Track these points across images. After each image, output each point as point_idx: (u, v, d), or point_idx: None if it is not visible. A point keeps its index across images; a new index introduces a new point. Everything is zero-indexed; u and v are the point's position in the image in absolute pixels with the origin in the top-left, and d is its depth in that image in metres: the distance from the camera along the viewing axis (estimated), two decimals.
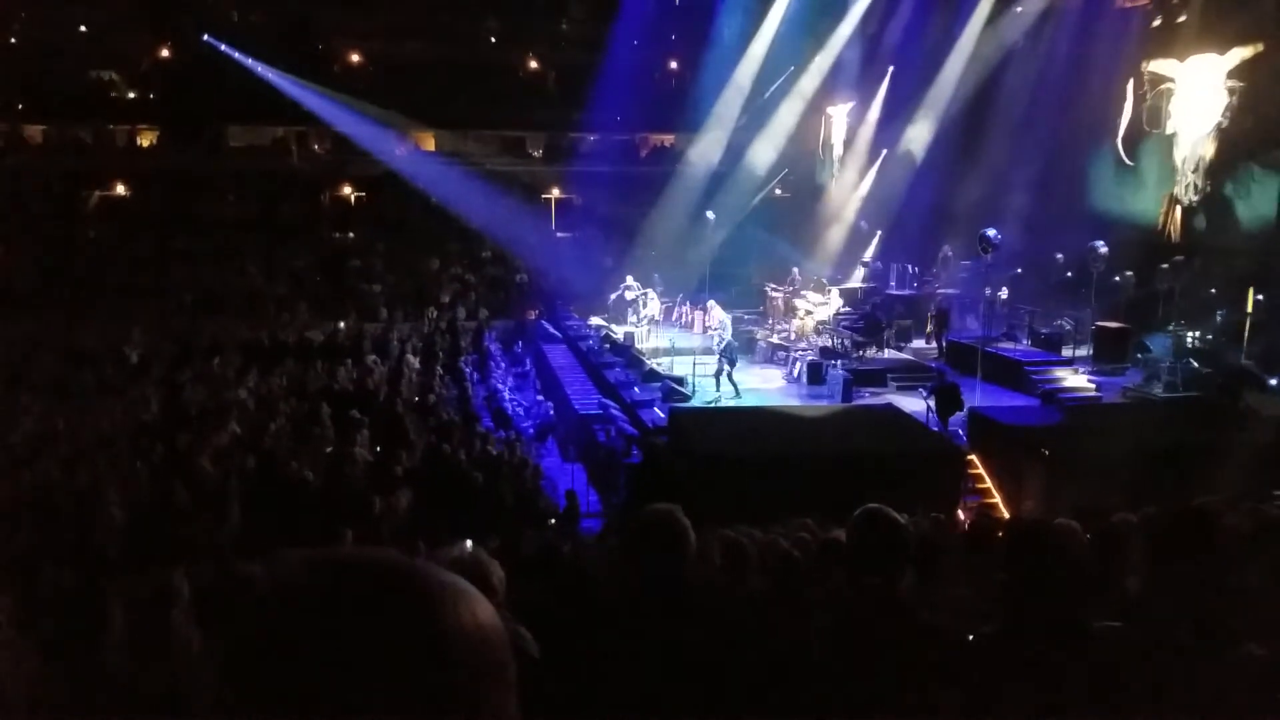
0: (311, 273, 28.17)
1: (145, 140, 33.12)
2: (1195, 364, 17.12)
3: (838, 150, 30.52)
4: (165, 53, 32.51)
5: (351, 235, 31.41)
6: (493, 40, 33.57)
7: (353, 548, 0.95)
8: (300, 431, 13.84)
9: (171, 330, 22.29)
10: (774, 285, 24.15)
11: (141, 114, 32.74)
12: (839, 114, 30.34)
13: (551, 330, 25.08)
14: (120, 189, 31.48)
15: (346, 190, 32.78)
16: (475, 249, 30.58)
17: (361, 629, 0.76)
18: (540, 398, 19.30)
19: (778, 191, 33.50)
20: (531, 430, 17.15)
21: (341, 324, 23.86)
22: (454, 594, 0.81)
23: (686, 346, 20.68)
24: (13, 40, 31.10)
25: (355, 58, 33.33)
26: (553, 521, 11.86)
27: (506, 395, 19.05)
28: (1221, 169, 18.74)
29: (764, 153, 33.29)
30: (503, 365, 22.36)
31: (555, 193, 33.48)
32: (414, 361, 21.21)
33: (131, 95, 32.87)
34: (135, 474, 11.35)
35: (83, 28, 31.55)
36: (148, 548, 8.11)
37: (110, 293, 24.60)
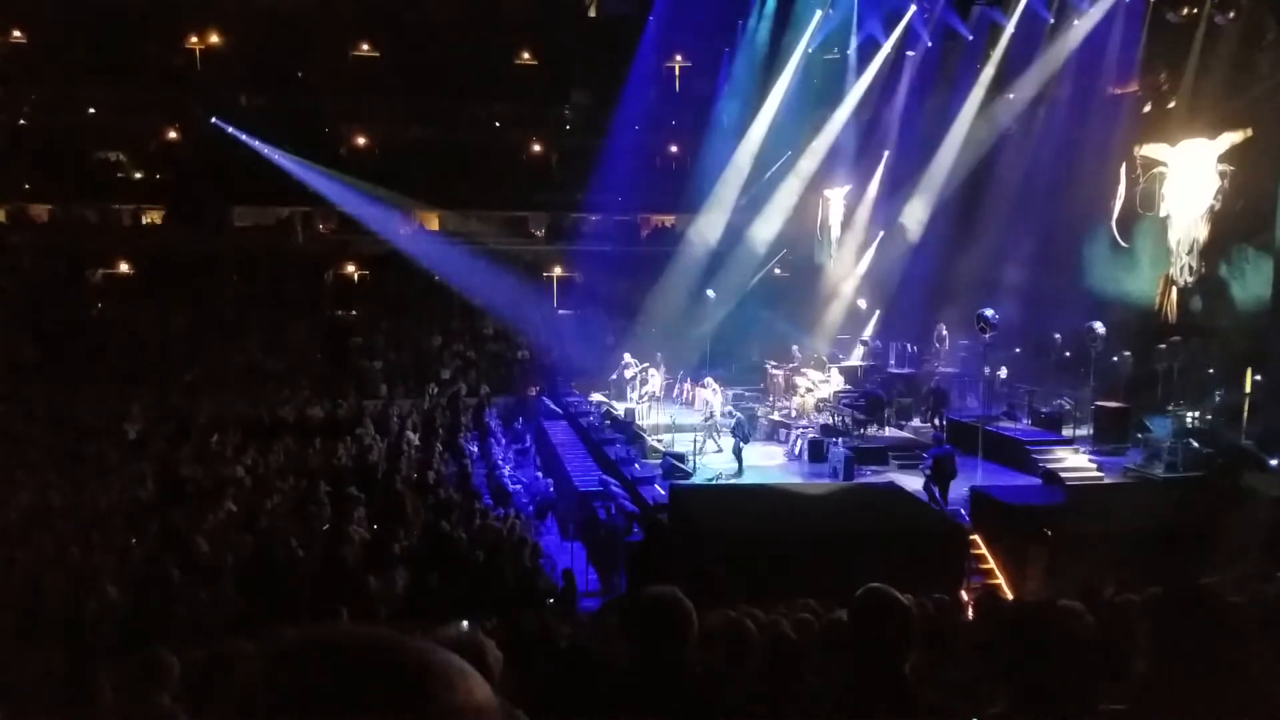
0: (313, 350, 28.32)
1: (150, 219, 33.65)
2: (1195, 444, 17.09)
3: (835, 231, 30.98)
4: (173, 134, 33.27)
5: (354, 313, 31.67)
6: (497, 124, 34.41)
7: (348, 626, 0.94)
8: (297, 510, 13.74)
9: (170, 407, 22.31)
10: (774, 363, 24.25)
11: (147, 194, 33.35)
12: (836, 196, 30.91)
13: (552, 406, 25.09)
14: (124, 267, 31.85)
15: (350, 269, 33.18)
16: (477, 326, 30.80)
17: (357, 708, 0.76)
18: (540, 474, 19.21)
19: (777, 271, 33.91)
20: (531, 508, 17.02)
21: (343, 402, 23.86)
22: (450, 673, 0.81)
23: (688, 423, 20.69)
24: (22, 121, 31.85)
25: (361, 140, 34.11)
26: (551, 601, 11.68)
27: (506, 472, 18.96)
28: (1215, 251, 18.99)
29: (763, 233, 33.84)
30: (503, 442, 22.30)
31: (557, 271, 33.90)
32: (414, 438, 21.17)
33: (138, 175, 33.53)
34: (130, 552, 11.23)
35: (91, 110, 32.33)
36: (141, 627, 7.97)
37: (111, 369, 24.68)
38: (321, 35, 31.99)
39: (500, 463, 19.55)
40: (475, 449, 21.04)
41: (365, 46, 33.45)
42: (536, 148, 34.63)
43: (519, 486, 18.46)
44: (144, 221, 33.57)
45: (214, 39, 32.60)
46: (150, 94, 31.74)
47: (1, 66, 31.24)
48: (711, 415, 19.69)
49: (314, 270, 32.46)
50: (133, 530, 12.30)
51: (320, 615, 7.65)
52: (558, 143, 34.61)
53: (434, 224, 35.50)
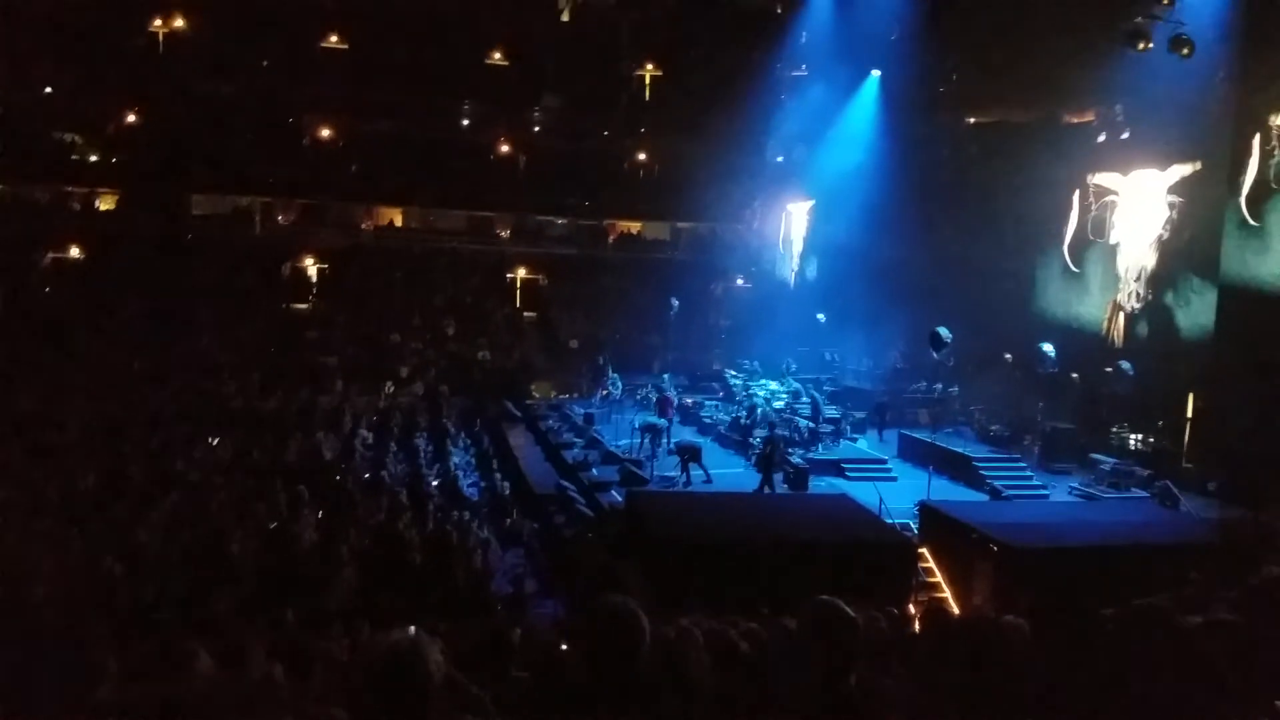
0: (266, 343, 27.87)
1: (105, 204, 32.91)
2: (1138, 466, 17.56)
3: (798, 245, 31.36)
4: (132, 118, 32.58)
5: (311, 306, 31.26)
6: (465, 123, 34.21)
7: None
8: (244, 506, 13.52)
9: (118, 397, 21.81)
10: (734, 372, 24.41)
11: (102, 178, 32.60)
12: (799, 210, 31.28)
13: (512, 409, 24.98)
14: (75, 251, 31.10)
15: (309, 262, 32.74)
16: (438, 325, 30.58)
17: None
18: (498, 476, 19.09)
19: (740, 282, 34.21)
20: (486, 510, 16.92)
21: (295, 397, 23.54)
22: None
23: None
24: None
25: (325, 132, 33.69)
26: (500, 607, 11.63)
27: (462, 474, 18.83)
28: (1162, 279, 19.53)
29: (727, 245, 34.19)
30: (460, 443, 22.14)
31: (522, 273, 33.79)
32: (367, 436, 20.94)
33: (94, 158, 32.77)
34: (68, 546, 10.96)
35: (48, 89, 31.56)
36: (80, 623, 7.80)
37: (57, 357, 24.06)
38: (289, 24, 31.54)
39: (455, 464, 19.41)
40: (430, 450, 20.87)
41: (334, 38, 33.06)
42: (505, 148, 34.48)
43: (475, 489, 18.35)
44: (98, 206, 32.82)
45: (178, 23, 31.99)
46: (110, 76, 31.04)
47: None
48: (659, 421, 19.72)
49: (271, 262, 31.97)
50: (73, 524, 12.01)
51: (268, 616, 7.55)
52: (526, 144, 34.50)
53: (397, 220, 35.21)
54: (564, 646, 4.41)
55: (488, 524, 15.84)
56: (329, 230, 33.24)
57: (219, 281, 29.80)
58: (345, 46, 33.09)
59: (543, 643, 5.80)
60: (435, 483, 17.94)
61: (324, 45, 33.02)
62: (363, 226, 34.23)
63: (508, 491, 18.17)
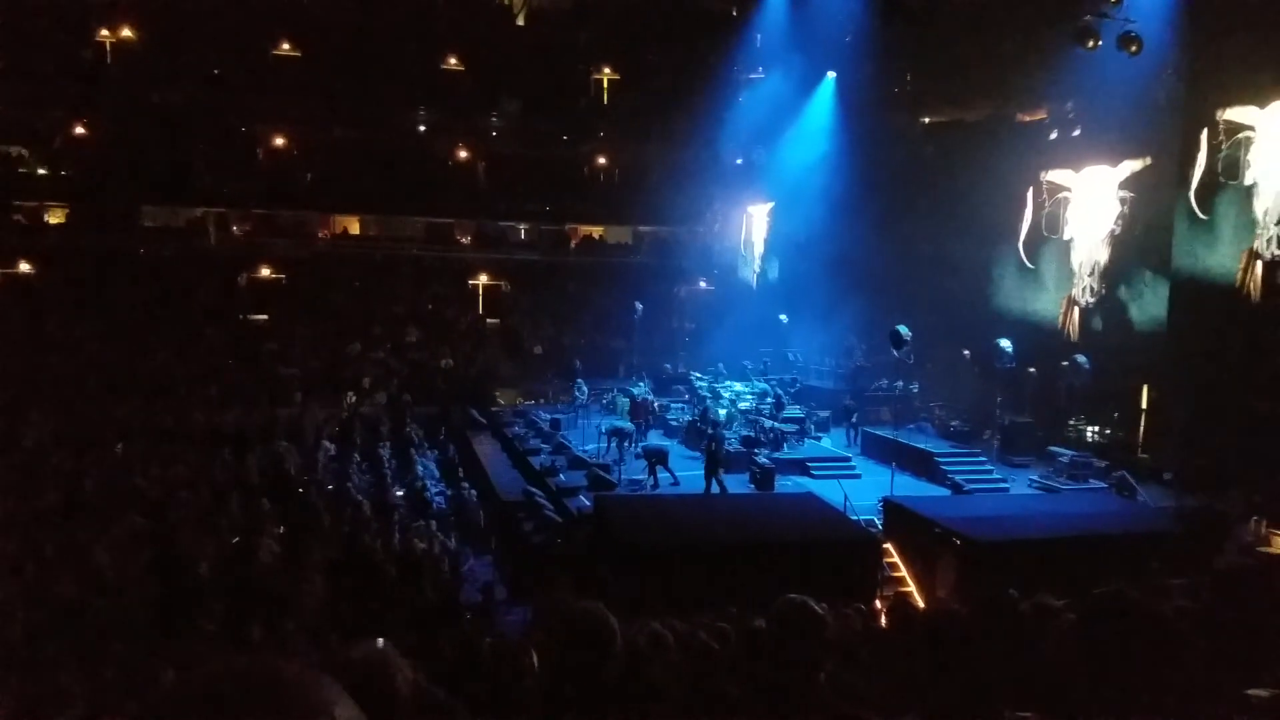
0: (224, 356, 27.45)
1: (54, 218, 32.18)
2: (1095, 458, 17.91)
3: (759, 247, 31.58)
4: (80, 130, 31.91)
5: (267, 318, 30.82)
6: (422, 129, 33.96)
7: (229, 661, 0.95)
8: (206, 522, 13.31)
9: (74, 414, 21.34)
10: (699, 374, 24.51)
11: (51, 191, 31.87)
12: (760, 212, 31.49)
13: (477, 417, 24.83)
14: (24, 267, 30.38)
15: (265, 272, 32.29)
16: (399, 334, 30.31)
17: None
18: (464, 485, 18.97)
19: (703, 284, 34.34)
20: (453, 519, 16.81)
21: (255, 410, 23.20)
22: (310, 701, 0.83)
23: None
24: None
25: (279, 141, 33.26)
26: (469, 616, 11.56)
27: (428, 483, 18.68)
28: (1115, 273, 19.94)
29: (690, 247, 34.33)
30: (425, 452, 21.96)
31: (484, 279, 33.62)
32: (330, 448, 20.70)
33: (42, 171, 32.05)
34: (22, 566, 10.72)
35: None
36: (40, 643, 7.63)
37: (11, 375, 23.48)
38: (240, 32, 31.09)
39: (421, 474, 19.25)
40: (395, 460, 20.68)
41: (286, 45, 32.64)
42: (463, 154, 34.29)
43: (441, 498, 18.22)
44: (47, 220, 32.07)
45: (126, 32, 31.39)
46: (56, 87, 30.35)
47: None
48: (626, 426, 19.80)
49: (227, 274, 31.48)
50: (31, 544, 11.73)
51: (232, 631, 7.43)
52: (484, 150, 34.33)
53: (355, 228, 34.86)
54: (534, 653, 4.39)
55: (455, 533, 15.74)
56: (286, 240, 32.79)
57: (174, 295, 29.29)
58: (298, 54, 32.70)
59: (513, 650, 5.78)
60: (401, 493, 17.79)
61: (277, 53, 32.60)
62: (320, 236, 33.84)
63: (474, 500, 18.07)
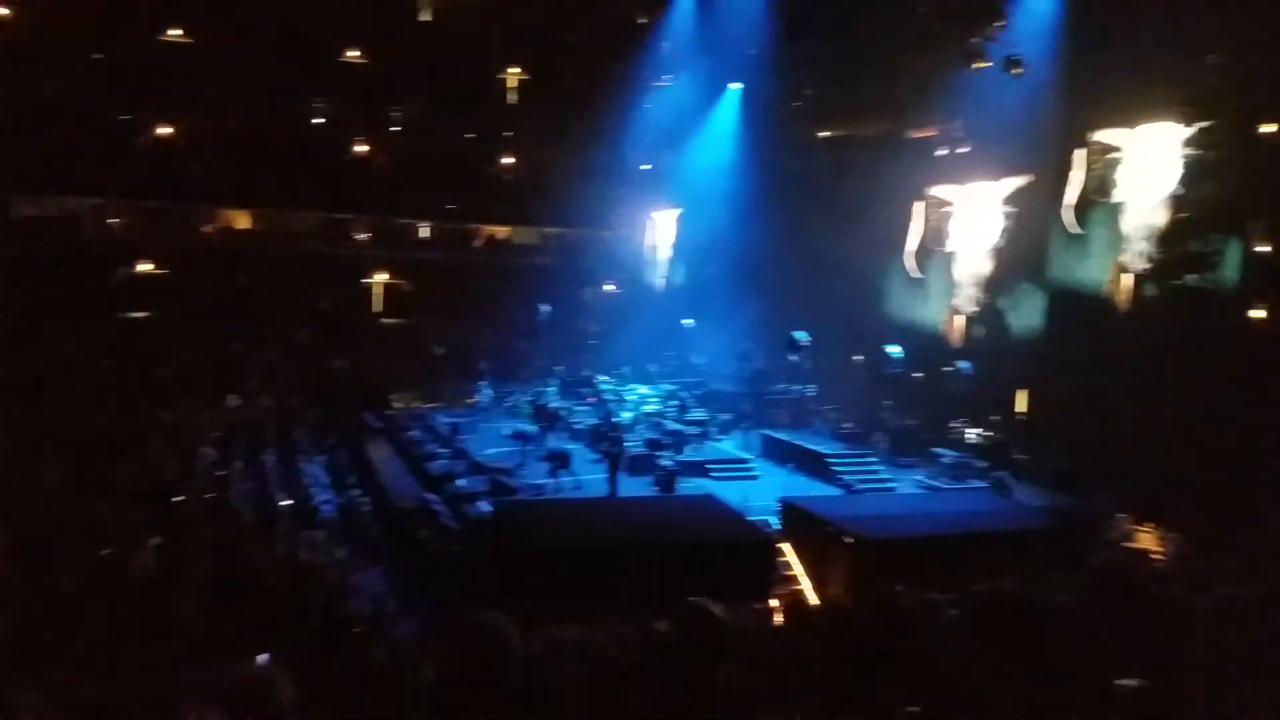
0: (99, 355, 26.00)
1: None
2: (977, 459, 18.71)
3: (665, 252, 31.87)
4: None
5: (146, 315, 29.34)
6: (319, 121, 32.88)
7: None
8: (73, 533, 12.54)
9: None
10: (604, 377, 24.52)
11: None
12: (666, 217, 31.79)
13: (371, 421, 24.18)
14: None
15: (146, 267, 30.71)
16: (289, 334, 29.27)
17: None
18: (356, 492, 18.44)
19: (609, 288, 34.37)
20: (343, 528, 16.31)
21: (131, 413, 22.05)
22: None
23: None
24: None
25: (165, 130, 31.71)
26: (360, 629, 11.21)
27: (316, 490, 18.08)
28: (996, 283, 20.89)
29: (596, 251, 34.31)
30: (314, 458, 21.25)
31: (383, 278, 32.78)
32: (210, 454, 19.86)
33: None
34: None
35: None
36: None
37: None
38: (126, 17, 29.50)
39: (311, 480, 18.63)
40: (281, 466, 19.96)
41: (176, 30, 31.14)
42: (363, 149, 33.31)
43: (331, 505, 17.65)
44: None
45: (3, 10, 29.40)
46: None
47: None
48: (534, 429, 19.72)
49: (103, 268, 29.81)
50: None
51: (105, 650, 7.01)
52: (386, 144, 33.46)
53: (244, 222, 33.49)
54: (429, 666, 4.29)
55: (345, 542, 15.28)
56: (168, 234, 31.27)
57: (44, 289, 27.55)
58: (189, 40, 31.26)
59: (407, 663, 5.64)
60: (287, 501, 17.17)
61: (165, 39, 31.08)
62: (205, 229, 32.40)
63: (367, 507, 17.58)
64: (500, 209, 34.32)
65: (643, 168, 32.62)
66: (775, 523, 15.36)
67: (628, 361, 25.47)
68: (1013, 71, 18.36)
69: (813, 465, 18.97)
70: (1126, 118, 17.42)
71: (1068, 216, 18.59)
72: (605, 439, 17.88)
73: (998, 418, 20.28)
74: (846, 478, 18.14)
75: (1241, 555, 10.08)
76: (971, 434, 20.28)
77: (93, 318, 27.67)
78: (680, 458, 19.02)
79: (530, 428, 19.98)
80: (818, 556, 14.04)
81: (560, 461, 17.47)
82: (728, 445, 21.59)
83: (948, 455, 18.89)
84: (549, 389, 22.81)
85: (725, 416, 22.70)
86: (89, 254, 29.62)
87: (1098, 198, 17.99)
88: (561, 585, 11.40)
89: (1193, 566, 10.84)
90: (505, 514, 14.76)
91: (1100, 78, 17.62)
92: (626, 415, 21.17)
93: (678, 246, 31.18)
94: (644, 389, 22.94)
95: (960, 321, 21.56)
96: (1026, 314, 20.49)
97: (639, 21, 30.64)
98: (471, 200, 33.79)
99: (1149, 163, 17.02)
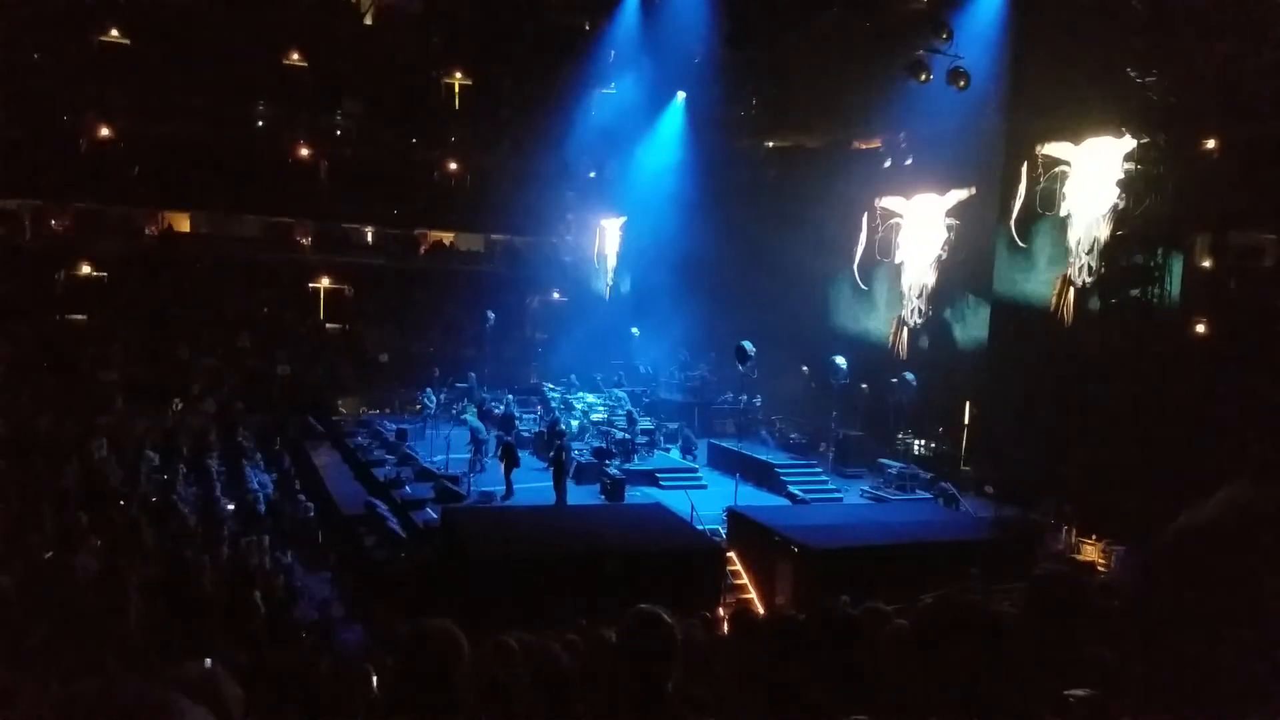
0: (38, 358, 25.24)
1: None
2: (921, 470, 19.01)
3: (611, 260, 31.89)
4: None
5: (86, 319, 28.56)
6: (259, 124, 32.32)
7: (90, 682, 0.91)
8: (14, 536, 12.16)
9: None
10: (551, 385, 24.44)
11: None
12: (612, 225, 31.82)
13: (316, 426, 23.81)
14: None
15: (85, 270, 29.91)
16: (232, 338, 28.71)
17: None
18: (301, 498, 18.14)
19: (556, 296, 34.29)
20: (288, 533, 16.04)
21: (70, 417, 21.43)
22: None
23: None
24: None
25: (104, 132, 30.90)
26: (305, 635, 11.06)
27: (260, 495, 17.74)
28: (942, 295, 21.26)
29: (543, 258, 34.22)
30: (258, 463, 20.87)
31: (325, 283, 32.32)
32: (153, 458, 19.39)
33: None
34: None
35: None
36: None
37: None
38: (64, 18, 28.69)
39: (253, 486, 18.29)
40: (224, 471, 19.55)
41: (114, 32, 30.41)
42: (304, 152, 32.83)
43: (275, 511, 17.34)
44: None
45: None
46: None
47: None
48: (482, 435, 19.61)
49: (43, 271, 28.94)
50: None
51: (42, 656, 6.81)
52: (326, 149, 33.01)
53: (184, 225, 32.77)
54: (374, 673, 4.26)
55: (290, 548, 15.04)
56: (109, 237, 30.49)
57: None
58: (128, 42, 30.55)
59: (353, 670, 5.59)
60: (230, 506, 16.83)
61: (104, 40, 30.35)
62: (146, 232, 31.64)
63: (312, 513, 17.31)
64: (445, 215, 34.05)
65: (589, 175, 32.66)
66: (723, 532, 15.45)
67: (575, 369, 25.42)
68: (959, 85, 18.70)
69: (760, 475, 19.11)
70: (1072, 132, 17.80)
71: (1013, 229, 18.98)
72: (552, 446, 17.85)
73: (943, 429, 20.62)
74: (793, 487, 18.30)
75: None
76: (917, 445, 20.59)
77: (32, 320, 26.87)
78: (628, 466, 19.04)
79: (480, 428, 19.84)
80: (765, 566, 14.16)
81: (511, 458, 17.39)
82: (675, 454, 21.67)
83: (894, 466, 19.17)
84: (495, 396, 22.68)
85: (673, 425, 22.80)
86: (28, 256, 28.76)
87: (1043, 211, 18.38)
88: (510, 593, 11.36)
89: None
90: (453, 521, 14.65)
91: (1045, 92, 17.95)
92: (574, 424, 21.14)
93: (624, 254, 31.24)
94: (591, 397, 22.93)
95: (906, 333, 21.90)
96: (971, 326, 20.88)
97: (584, 28, 30.69)
98: (415, 206, 33.48)
99: (1092, 177, 17.42)
